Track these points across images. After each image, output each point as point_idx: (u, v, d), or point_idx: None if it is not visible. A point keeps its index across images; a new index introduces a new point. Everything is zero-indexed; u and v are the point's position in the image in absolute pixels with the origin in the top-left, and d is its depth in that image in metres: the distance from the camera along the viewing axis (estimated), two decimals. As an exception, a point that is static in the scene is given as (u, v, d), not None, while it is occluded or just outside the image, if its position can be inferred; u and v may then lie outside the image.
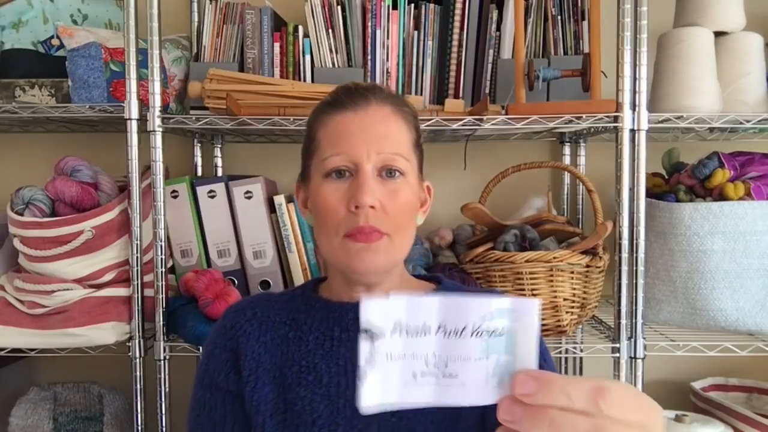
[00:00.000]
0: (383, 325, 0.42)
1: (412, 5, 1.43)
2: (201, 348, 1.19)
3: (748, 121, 1.26)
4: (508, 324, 0.42)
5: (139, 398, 1.27)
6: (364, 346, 0.42)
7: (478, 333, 0.42)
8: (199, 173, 1.63)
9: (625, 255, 1.23)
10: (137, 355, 1.27)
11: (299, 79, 1.40)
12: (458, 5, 1.39)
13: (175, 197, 1.38)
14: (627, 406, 0.42)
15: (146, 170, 1.29)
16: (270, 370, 0.79)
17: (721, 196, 1.29)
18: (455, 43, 1.41)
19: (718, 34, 1.33)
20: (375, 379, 0.43)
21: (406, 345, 0.43)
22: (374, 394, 0.43)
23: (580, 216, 1.60)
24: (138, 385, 1.27)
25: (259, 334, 0.81)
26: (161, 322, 1.26)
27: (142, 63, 1.26)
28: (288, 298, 0.86)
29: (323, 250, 0.80)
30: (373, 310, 0.42)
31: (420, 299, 0.42)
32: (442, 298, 0.42)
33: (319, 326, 0.80)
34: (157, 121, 1.25)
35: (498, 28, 1.42)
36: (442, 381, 0.43)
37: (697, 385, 1.51)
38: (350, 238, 0.75)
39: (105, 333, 1.24)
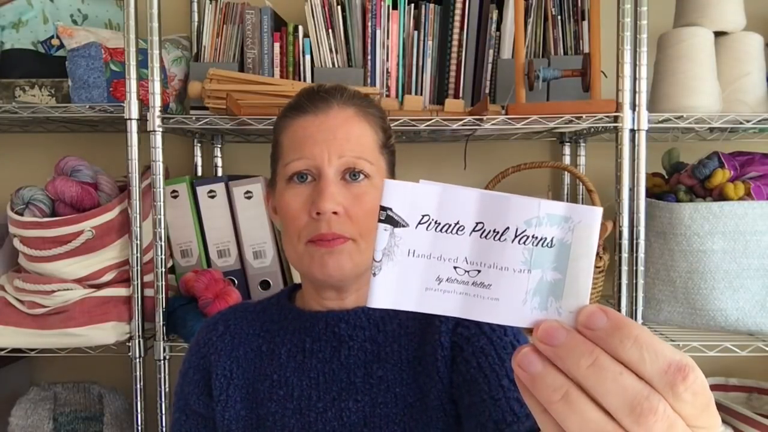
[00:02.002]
0: (409, 213, 0.36)
1: (412, 5, 1.43)
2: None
3: (748, 121, 1.26)
4: (560, 234, 0.35)
5: (139, 398, 1.27)
6: (381, 235, 0.36)
7: (522, 239, 0.36)
8: (199, 173, 1.62)
9: (625, 255, 1.23)
10: (137, 355, 1.27)
11: (299, 79, 1.40)
12: (458, 5, 1.39)
13: (175, 197, 1.38)
14: (700, 402, 0.33)
15: (146, 170, 1.29)
16: (241, 386, 0.79)
17: (721, 196, 1.29)
18: (455, 43, 1.41)
19: (718, 34, 1.33)
20: (390, 274, 0.36)
21: (435, 242, 0.36)
22: (387, 291, 0.37)
23: (580, 216, 1.60)
24: (138, 385, 1.27)
25: (231, 348, 0.81)
26: (161, 322, 1.26)
27: (142, 63, 1.26)
28: (263, 308, 0.85)
29: (289, 257, 0.79)
30: (398, 194, 0.36)
31: (457, 189, 0.36)
32: (483, 191, 0.36)
33: (291, 338, 0.79)
34: (157, 121, 1.25)
35: (498, 28, 1.42)
36: (471, 290, 0.36)
37: (697, 385, 1.51)
38: (313, 244, 0.73)
39: (105, 333, 1.24)
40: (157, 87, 1.24)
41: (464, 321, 0.74)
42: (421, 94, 1.42)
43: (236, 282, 1.38)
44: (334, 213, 0.72)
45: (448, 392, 0.72)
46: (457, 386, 0.72)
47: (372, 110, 0.79)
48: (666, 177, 1.44)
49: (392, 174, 0.82)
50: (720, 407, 1.37)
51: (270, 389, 0.77)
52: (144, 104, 1.26)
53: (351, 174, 0.75)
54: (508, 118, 1.24)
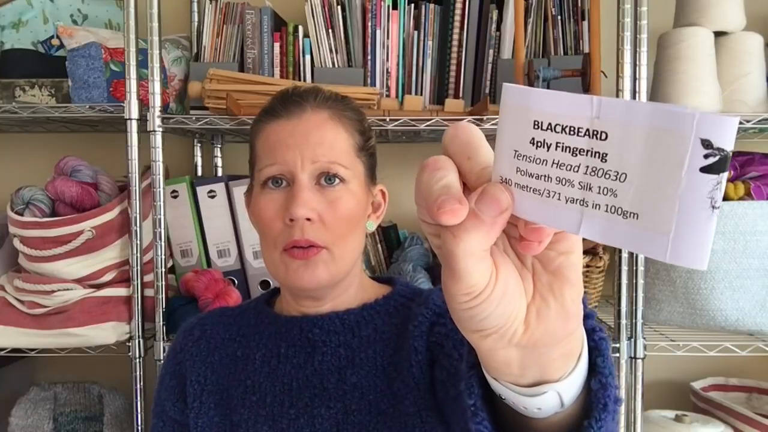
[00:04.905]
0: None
1: (412, 5, 1.43)
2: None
3: (748, 121, 1.25)
4: None
5: (139, 398, 1.27)
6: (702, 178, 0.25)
7: None
8: (199, 173, 1.62)
9: (625, 255, 1.23)
10: (137, 355, 1.27)
11: (299, 79, 1.40)
12: (458, 5, 1.39)
13: (175, 197, 1.38)
14: None
15: (146, 170, 1.29)
16: (215, 392, 0.78)
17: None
18: (455, 43, 1.41)
19: (718, 34, 1.33)
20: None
21: None
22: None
23: (580, 216, 1.60)
24: (138, 385, 1.27)
25: (206, 354, 0.80)
26: (161, 322, 1.26)
27: (142, 63, 1.26)
28: (241, 312, 0.85)
29: (266, 265, 0.78)
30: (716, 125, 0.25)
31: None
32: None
33: (266, 343, 0.79)
34: (157, 121, 1.25)
35: (498, 28, 1.42)
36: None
37: (697, 385, 1.51)
38: (288, 253, 0.72)
39: (105, 333, 1.24)
40: (157, 87, 1.24)
41: (441, 319, 0.72)
42: (421, 94, 1.42)
43: (236, 282, 1.38)
44: (308, 219, 0.71)
45: (425, 399, 0.71)
46: (442, 383, 0.70)
47: (348, 113, 0.78)
48: (666, 177, 1.43)
49: (372, 177, 0.80)
50: (720, 407, 1.37)
51: (243, 395, 0.76)
52: (144, 104, 1.26)
53: (326, 178, 0.73)
54: (508, 118, 1.24)
